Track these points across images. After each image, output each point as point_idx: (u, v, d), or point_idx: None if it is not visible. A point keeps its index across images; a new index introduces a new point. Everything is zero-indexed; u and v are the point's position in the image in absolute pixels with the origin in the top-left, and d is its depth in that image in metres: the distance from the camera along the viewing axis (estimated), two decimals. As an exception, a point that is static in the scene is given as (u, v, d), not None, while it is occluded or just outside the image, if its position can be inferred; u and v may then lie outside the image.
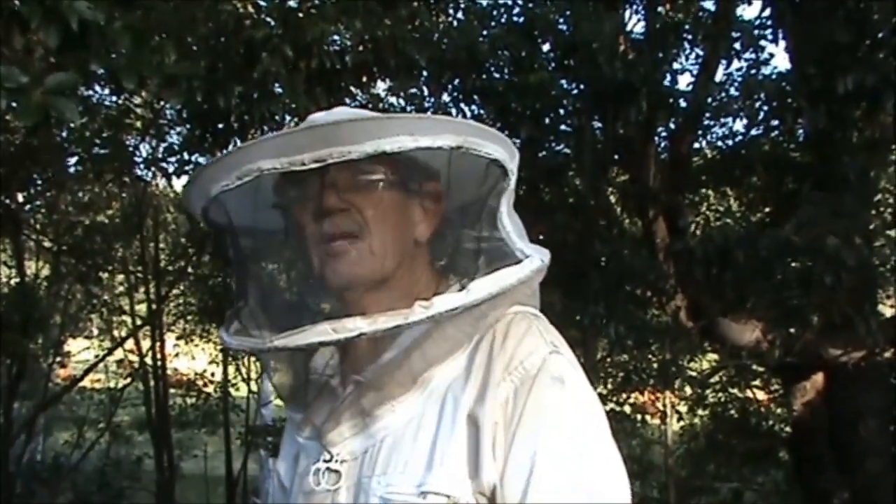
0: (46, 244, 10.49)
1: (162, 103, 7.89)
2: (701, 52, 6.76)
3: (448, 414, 1.11)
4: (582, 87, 6.24)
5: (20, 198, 9.03)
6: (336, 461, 1.17)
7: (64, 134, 7.18)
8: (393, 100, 7.31)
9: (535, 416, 1.07)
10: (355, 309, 1.15)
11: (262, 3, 6.08)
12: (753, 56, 6.51)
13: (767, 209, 7.48)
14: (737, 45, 6.35)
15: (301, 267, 1.25)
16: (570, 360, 1.15)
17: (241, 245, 1.25)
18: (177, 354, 13.41)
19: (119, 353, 12.40)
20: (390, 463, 1.13)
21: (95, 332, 13.98)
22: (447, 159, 1.13)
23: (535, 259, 1.18)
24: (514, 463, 1.06)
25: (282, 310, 1.24)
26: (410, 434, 1.13)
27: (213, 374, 13.20)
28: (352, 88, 5.99)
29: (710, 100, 6.43)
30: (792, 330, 6.07)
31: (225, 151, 1.14)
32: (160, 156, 8.90)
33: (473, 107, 6.71)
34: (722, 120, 7.17)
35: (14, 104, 2.41)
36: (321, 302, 1.25)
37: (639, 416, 11.19)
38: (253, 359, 9.67)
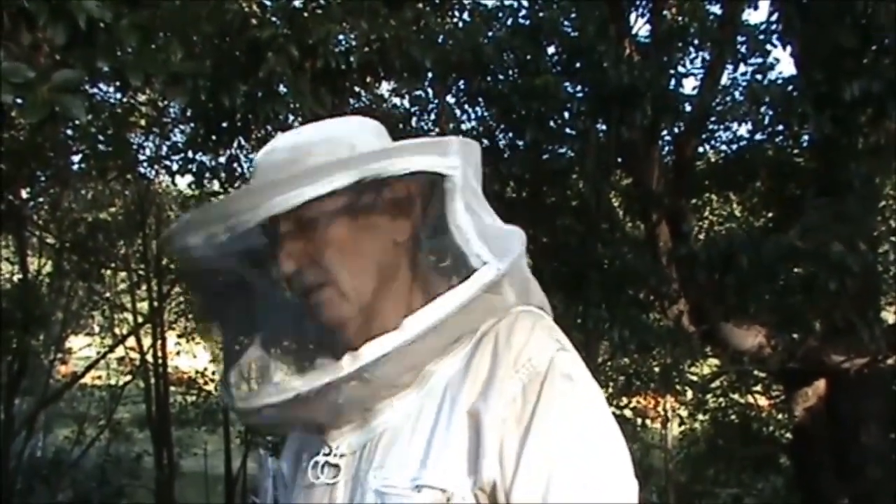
0: (49, 241, 10.51)
1: (166, 102, 7.91)
2: (707, 57, 6.77)
3: (445, 410, 1.11)
4: (587, 90, 6.24)
5: (24, 194, 9.04)
6: (335, 455, 1.17)
7: (69, 132, 7.19)
8: (397, 100, 7.32)
9: (546, 415, 1.07)
10: (352, 338, 1.15)
11: (268, 3, 6.09)
12: (759, 61, 6.51)
13: (770, 214, 7.48)
14: (742, 50, 6.35)
15: (291, 311, 1.27)
16: (574, 357, 1.14)
17: (228, 298, 1.27)
18: (178, 352, 13.41)
19: (120, 351, 12.42)
20: (387, 457, 1.12)
21: (97, 329, 14.01)
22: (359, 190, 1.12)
23: (490, 269, 1.13)
24: (527, 464, 1.05)
25: (288, 354, 1.27)
26: (408, 429, 1.13)
27: (213, 373, 13.20)
28: (356, 89, 5.99)
29: (715, 104, 6.43)
30: (794, 335, 6.06)
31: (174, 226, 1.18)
32: (164, 154, 8.90)
33: (478, 109, 6.72)
34: (726, 124, 7.17)
35: (20, 101, 2.42)
36: (322, 339, 1.26)
37: (639, 420, 11.18)
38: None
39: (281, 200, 1.06)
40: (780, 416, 9.72)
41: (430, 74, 5.90)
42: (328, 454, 1.18)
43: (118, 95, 7.44)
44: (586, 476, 1.05)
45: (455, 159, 1.14)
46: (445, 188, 1.14)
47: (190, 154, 6.97)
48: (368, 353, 1.08)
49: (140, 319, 11.76)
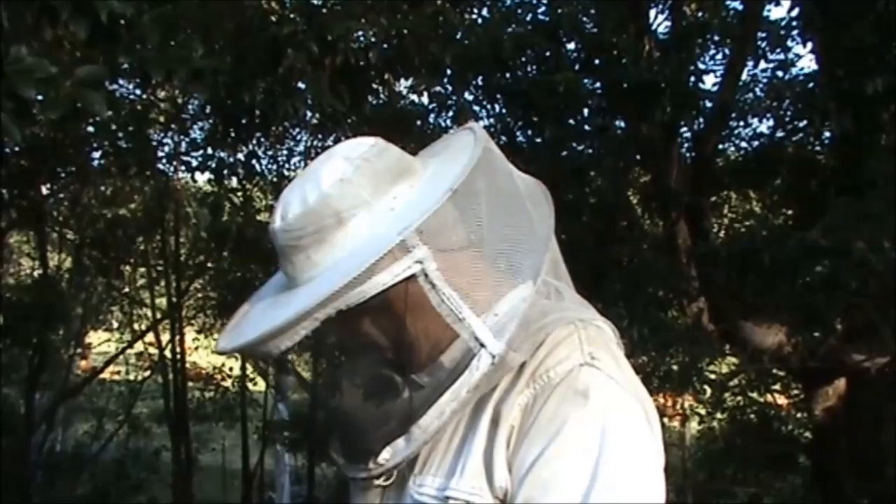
0: (69, 236, 10.58)
1: (185, 98, 7.94)
2: (727, 53, 6.72)
3: (477, 418, 1.12)
4: (606, 87, 6.22)
5: (44, 190, 9.10)
6: None
7: (90, 128, 7.23)
8: (414, 97, 7.31)
9: (546, 426, 1.06)
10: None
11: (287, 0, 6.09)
12: (780, 57, 6.46)
13: (791, 212, 7.43)
14: (763, 46, 6.31)
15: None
16: (609, 373, 1.10)
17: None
18: (196, 348, 13.48)
19: (139, 346, 12.50)
20: (426, 464, 1.15)
21: (116, 324, 14.09)
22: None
23: (485, 360, 1.09)
24: (516, 467, 1.06)
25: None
26: (447, 437, 1.15)
27: (231, 369, 13.28)
28: (374, 85, 5.99)
29: (735, 101, 6.38)
30: (815, 334, 6.01)
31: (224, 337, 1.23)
32: (183, 150, 8.94)
33: (496, 105, 6.70)
34: (747, 121, 7.12)
35: (41, 97, 2.43)
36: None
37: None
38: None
39: (263, 353, 1.12)
40: (799, 416, 9.65)
41: (448, 71, 5.89)
42: None
43: (138, 92, 7.48)
44: (576, 482, 1.03)
45: (421, 250, 1.07)
46: (420, 283, 1.09)
47: (209, 150, 7.01)
48: (393, 458, 1.14)
49: (158, 315, 11.82)
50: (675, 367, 7.89)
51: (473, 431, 1.11)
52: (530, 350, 1.12)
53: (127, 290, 12.34)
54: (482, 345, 1.09)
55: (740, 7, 6.54)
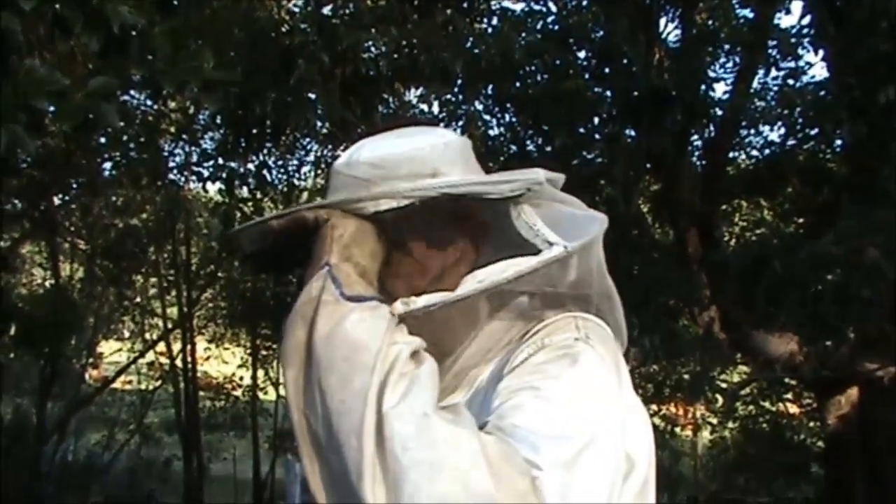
0: (81, 246, 10.62)
1: (196, 109, 7.97)
2: (738, 61, 6.70)
3: (483, 406, 1.11)
4: (617, 95, 6.21)
5: (56, 201, 9.14)
6: None
7: (101, 139, 7.26)
8: (425, 106, 7.32)
9: (531, 370, 1.06)
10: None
11: (296, 10, 6.11)
12: (791, 65, 6.44)
13: (801, 220, 7.39)
14: (774, 54, 6.28)
15: None
16: (600, 354, 1.10)
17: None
18: (207, 357, 13.50)
19: (150, 356, 12.52)
20: None
21: (127, 334, 14.13)
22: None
23: (556, 248, 1.16)
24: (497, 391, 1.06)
25: None
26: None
27: (241, 378, 13.29)
28: (384, 95, 6.00)
29: (746, 109, 6.36)
30: (827, 343, 5.98)
31: (253, 221, 1.24)
32: (194, 161, 8.97)
33: (507, 115, 6.69)
34: (758, 129, 7.09)
35: (53, 108, 2.44)
36: None
37: (669, 427, 11.08)
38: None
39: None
40: (811, 425, 9.60)
41: (459, 80, 5.89)
42: None
43: (149, 102, 7.51)
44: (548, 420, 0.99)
45: (533, 177, 1.18)
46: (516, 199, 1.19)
47: (220, 161, 7.02)
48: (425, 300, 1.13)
49: (170, 325, 11.85)
50: (686, 377, 7.87)
51: (478, 417, 1.07)
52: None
53: (138, 299, 12.39)
54: (552, 243, 1.17)
55: (751, 15, 6.52)
